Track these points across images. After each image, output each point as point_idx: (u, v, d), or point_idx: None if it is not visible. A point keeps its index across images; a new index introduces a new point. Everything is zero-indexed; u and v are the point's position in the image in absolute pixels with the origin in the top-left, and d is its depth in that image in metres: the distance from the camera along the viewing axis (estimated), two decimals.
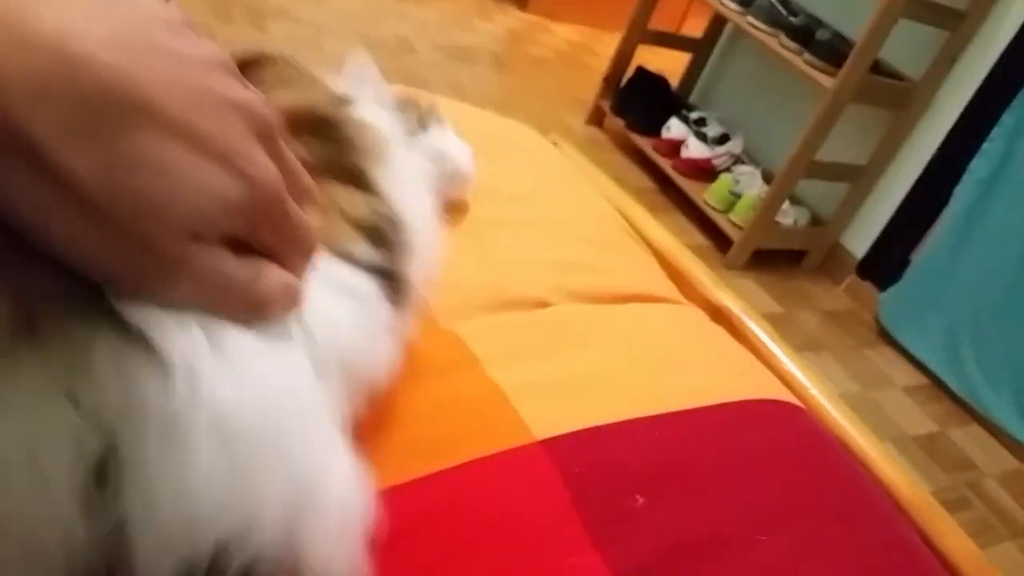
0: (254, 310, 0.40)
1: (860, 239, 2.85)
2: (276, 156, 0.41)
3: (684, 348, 0.79)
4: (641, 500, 0.58)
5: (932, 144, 2.61)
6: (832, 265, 2.91)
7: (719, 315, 0.94)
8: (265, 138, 0.40)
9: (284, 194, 0.40)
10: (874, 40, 2.37)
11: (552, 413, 0.63)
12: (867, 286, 2.81)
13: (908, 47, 2.56)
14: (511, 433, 0.61)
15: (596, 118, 3.29)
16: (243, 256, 0.39)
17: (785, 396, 0.77)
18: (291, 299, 0.42)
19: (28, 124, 0.31)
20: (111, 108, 0.33)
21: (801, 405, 0.77)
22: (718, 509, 0.60)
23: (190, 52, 0.37)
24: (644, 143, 3.04)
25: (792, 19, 2.60)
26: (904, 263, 2.71)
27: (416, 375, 0.65)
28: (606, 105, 3.23)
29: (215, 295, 0.38)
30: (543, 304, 0.77)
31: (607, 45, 4.08)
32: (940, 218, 2.60)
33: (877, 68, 2.51)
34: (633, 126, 3.09)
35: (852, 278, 2.86)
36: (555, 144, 1.15)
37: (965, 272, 2.49)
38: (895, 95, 2.59)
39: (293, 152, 0.44)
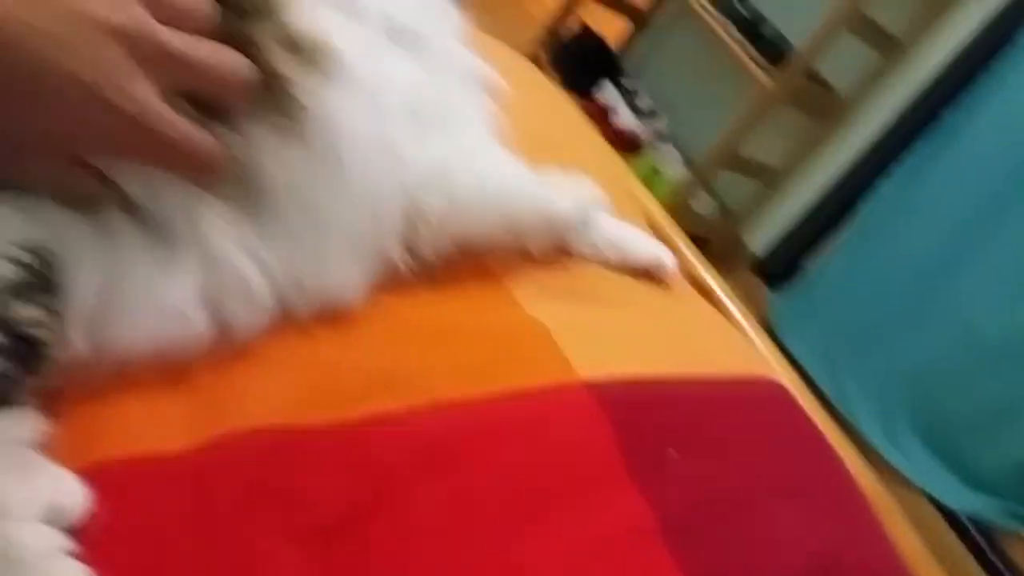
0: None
1: (760, 238, 2.97)
2: (171, 68, 0.43)
3: (691, 319, 0.82)
4: (675, 454, 0.61)
5: (846, 159, 2.74)
6: (729, 257, 3.02)
7: (707, 297, 0.97)
8: (148, 59, 0.42)
9: (163, 123, 0.43)
10: (816, 47, 2.47)
11: (594, 356, 0.65)
12: (758, 283, 2.94)
13: (842, 61, 2.67)
14: (555, 369, 0.62)
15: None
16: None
17: (773, 376, 0.82)
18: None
19: None
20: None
21: (786, 386, 0.81)
22: (738, 473, 0.64)
23: None
24: (575, 101, 3.06)
25: (743, 11, 2.66)
26: (798, 268, 2.84)
27: (454, 306, 0.66)
28: (544, 57, 3.23)
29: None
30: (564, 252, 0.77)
31: None
32: (840, 231, 2.75)
33: (810, 75, 2.61)
34: (567, 84, 3.10)
35: (745, 273, 2.99)
36: None
37: (855, 286, 2.64)
38: (822, 104, 2.71)
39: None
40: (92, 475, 0.44)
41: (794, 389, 0.83)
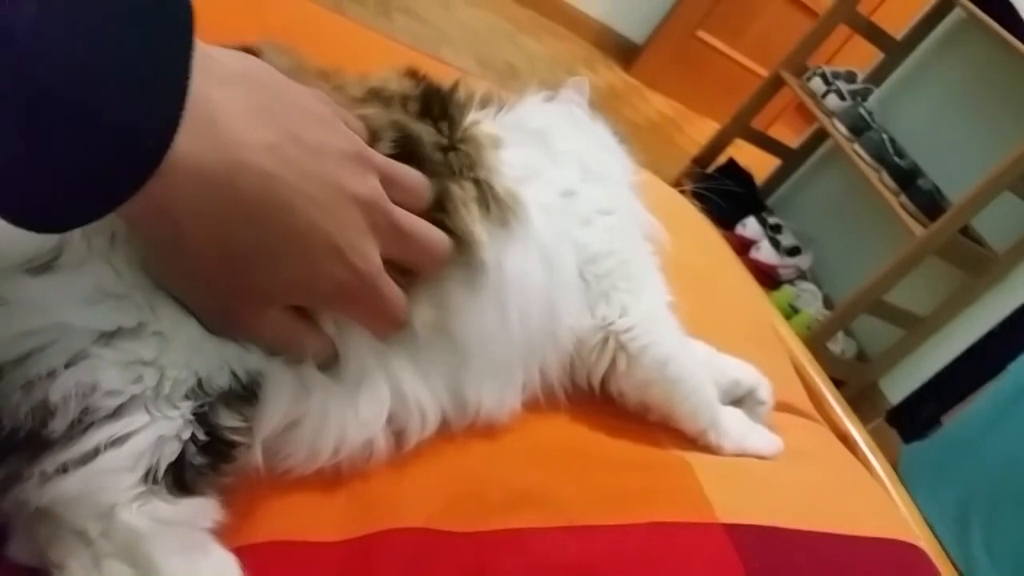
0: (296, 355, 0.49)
1: (898, 387, 2.86)
2: (392, 237, 0.49)
3: (835, 471, 0.81)
4: None
5: (996, 317, 2.63)
6: (863, 404, 2.92)
7: (845, 443, 0.95)
8: (377, 228, 0.48)
9: (380, 282, 0.49)
10: (974, 204, 2.41)
11: (735, 499, 0.65)
12: (892, 433, 2.82)
13: (998, 219, 2.60)
14: (696, 507, 0.63)
15: None
16: (300, 317, 0.49)
17: (912, 538, 0.79)
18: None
19: (180, 212, 0.39)
20: (254, 207, 0.41)
21: (926, 550, 0.78)
22: None
23: (333, 146, 0.45)
24: None
25: (898, 160, 2.64)
26: (934, 423, 2.72)
27: (599, 434, 0.67)
28: (687, 186, 3.26)
29: (267, 340, 0.47)
30: None
31: (696, 127, 4.16)
32: (983, 391, 2.62)
33: (965, 231, 2.55)
34: (709, 213, 3.12)
35: (880, 422, 2.87)
36: None
37: (994, 451, 2.49)
38: (976, 261, 2.63)
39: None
40: (254, 552, 0.47)
41: (932, 552, 0.80)
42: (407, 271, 0.52)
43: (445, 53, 3.05)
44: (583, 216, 0.65)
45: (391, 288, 0.50)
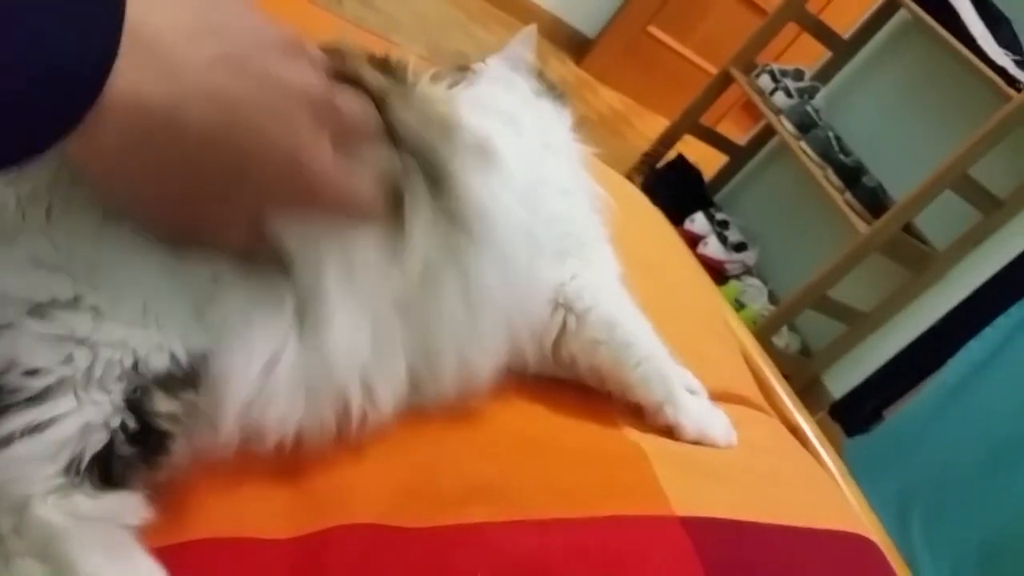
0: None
1: (841, 381, 2.91)
2: (336, 126, 0.46)
3: (788, 463, 0.81)
4: None
5: (936, 313, 2.68)
6: (807, 398, 2.95)
7: (795, 435, 0.96)
8: (324, 119, 0.44)
9: (338, 177, 0.46)
10: (916, 202, 2.45)
11: (691, 491, 0.64)
12: (836, 427, 2.86)
13: (940, 217, 2.64)
14: (653, 500, 0.62)
15: None
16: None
17: (864, 531, 0.79)
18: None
19: (124, 146, 0.36)
20: (208, 129, 0.38)
21: (877, 542, 0.78)
22: None
23: (266, 37, 0.42)
24: None
25: (843, 158, 2.67)
26: (876, 417, 2.77)
27: (554, 420, 0.66)
28: (637, 181, 3.28)
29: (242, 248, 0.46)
30: None
31: (646, 123, 4.17)
32: (924, 386, 2.67)
33: (907, 228, 2.59)
34: (658, 207, 3.14)
35: (823, 416, 2.91)
36: None
37: (934, 445, 2.54)
38: (917, 258, 2.67)
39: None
40: (189, 551, 0.45)
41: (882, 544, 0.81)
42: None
43: (396, 39, 3.02)
44: (543, 176, 0.65)
45: (350, 177, 0.47)
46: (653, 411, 0.70)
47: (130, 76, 0.34)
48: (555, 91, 0.76)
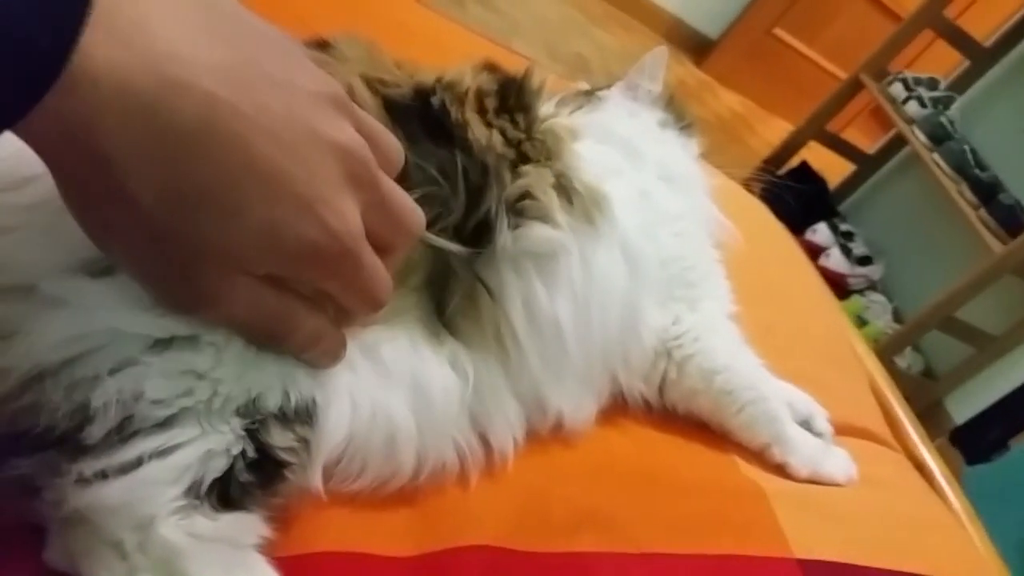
0: (279, 344, 0.42)
1: (964, 406, 2.77)
2: (371, 200, 0.40)
3: (913, 505, 0.78)
4: None
5: None
6: (927, 421, 2.83)
7: (920, 471, 0.92)
8: (358, 183, 0.39)
9: (360, 248, 0.40)
10: None
11: (810, 532, 0.62)
12: (955, 454, 2.74)
13: None
14: (770, 540, 0.60)
15: None
16: (283, 292, 0.40)
17: None
18: (319, 345, 0.43)
19: (106, 140, 0.32)
20: (197, 137, 0.33)
21: None
22: None
23: (302, 84, 0.37)
24: None
25: (979, 172, 2.55)
26: (1001, 446, 2.63)
27: (671, 453, 0.65)
28: (756, 188, 3.20)
29: (244, 323, 0.40)
30: None
31: (767, 126, 4.08)
32: None
33: None
34: (778, 217, 3.06)
35: (942, 441, 2.79)
36: None
37: None
38: None
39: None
40: (310, 563, 0.46)
41: None
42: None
43: (516, 43, 3.03)
44: (657, 218, 0.64)
45: (372, 258, 0.41)
46: (759, 451, 0.68)
47: (111, 52, 0.31)
48: (683, 120, 0.74)
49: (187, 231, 0.35)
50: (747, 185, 3.02)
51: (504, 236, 0.52)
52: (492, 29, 2.98)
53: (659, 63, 0.75)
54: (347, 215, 0.38)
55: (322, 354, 0.44)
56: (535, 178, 0.54)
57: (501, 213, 0.52)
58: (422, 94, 0.53)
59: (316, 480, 0.46)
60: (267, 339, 0.41)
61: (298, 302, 0.41)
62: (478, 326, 0.53)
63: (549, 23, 3.49)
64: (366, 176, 0.39)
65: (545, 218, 0.54)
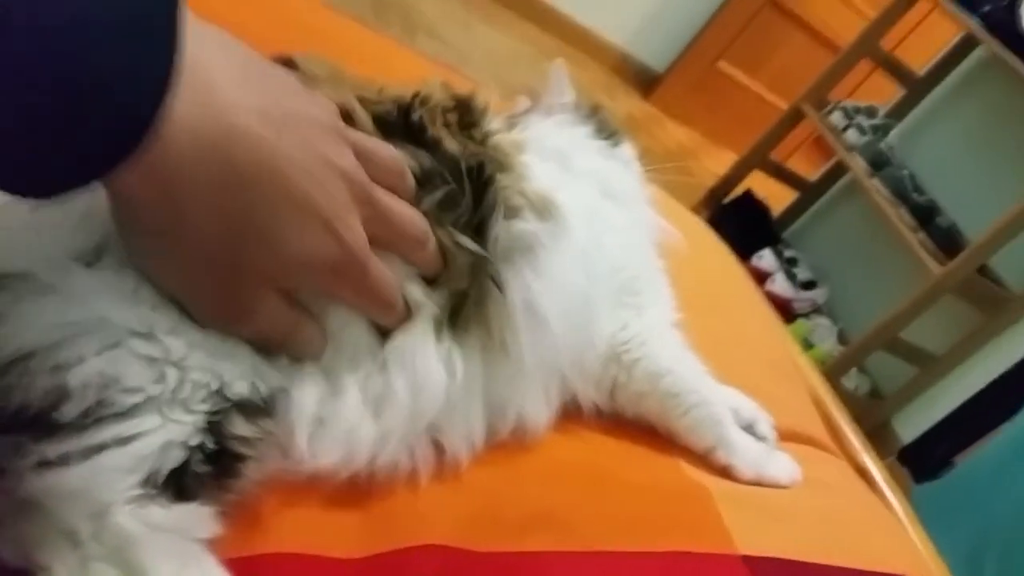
0: (284, 349, 0.47)
1: (911, 425, 2.83)
2: (370, 215, 0.46)
3: (855, 505, 0.80)
4: None
5: (1011, 358, 2.60)
6: (875, 441, 2.87)
7: (863, 477, 0.94)
8: (359, 201, 0.45)
9: (367, 256, 0.46)
10: (992, 243, 2.40)
11: (754, 529, 0.63)
12: (904, 473, 2.79)
13: (1016, 259, 2.58)
14: (716, 538, 0.61)
15: None
16: (292, 303, 0.46)
17: None
18: (311, 348, 0.48)
19: (179, 181, 0.38)
20: (250, 173, 0.39)
21: None
22: None
23: (315, 116, 0.44)
24: None
25: (917, 197, 2.63)
26: (947, 463, 2.68)
27: (618, 454, 0.66)
28: (703, 216, 3.26)
29: (264, 333, 0.45)
30: None
31: (713, 159, 4.15)
32: (997, 432, 2.59)
33: (982, 270, 2.53)
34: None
35: (891, 460, 2.84)
36: None
37: (1008, 494, 2.45)
38: (992, 300, 2.61)
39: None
40: (260, 564, 0.46)
41: None
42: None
43: (464, 73, 3.07)
44: (603, 229, 0.66)
45: (379, 267, 0.48)
46: (705, 454, 0.70)
47: (186, 108, 0.36)
48: (609, 128, 0.76)
49: (237, 254, 0.41)
50: (695, 213, 3.07)
51: (496, 232, 0.54)
52: (442, 60, 3.01)
53: (561, 76, 0.77)
54: (355, 229, 0.45)
55: (311, 354, 0.48)
56: (506, 183, 0.56)
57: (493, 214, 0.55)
58: (403, 110, 0.55)
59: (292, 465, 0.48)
60: (277, 346, 0.46)
61: (302, 311, 0.47)
62: (480, 324, 0.55)
63: (498, 56, 3.53)
64: (364, 194, 0.46)
65: (524, 217, 0.56)
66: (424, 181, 0.52)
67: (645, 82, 4.37)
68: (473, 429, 0.56)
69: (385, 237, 0.48)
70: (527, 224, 0.56)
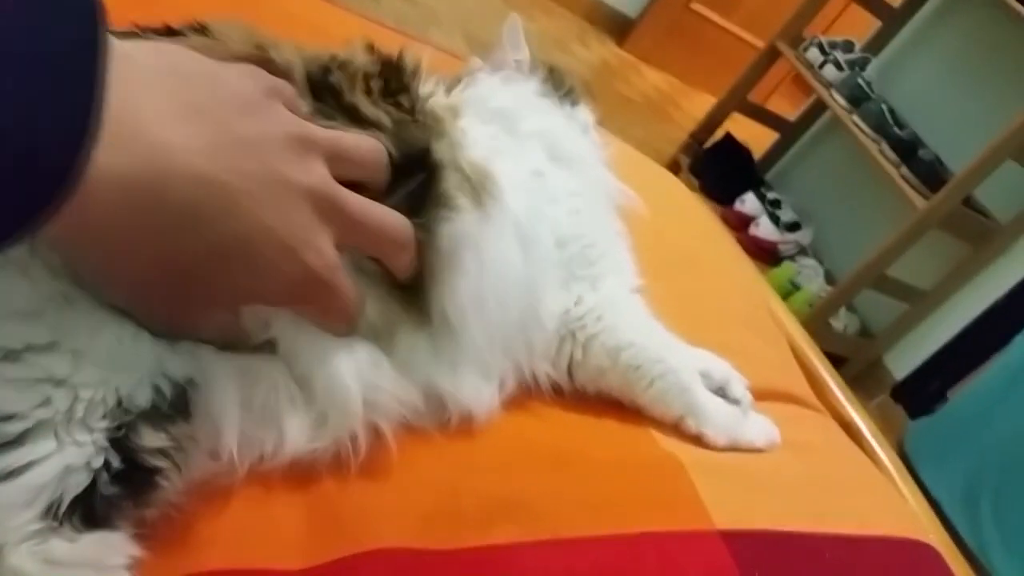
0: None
1: (903, 362, 2.82)
2: (343, 225, 0.45)
3: (840, 465, 0.77)
4: None
5: (1000, 288, 2.59)
6: (868, 380, 2.88)
7: (848, 430, 0.91)
8: (328, 217, 0.44)
9: (335, 278, 0.45)
10: (976, 174, 2.37)
11: (732, 502, 0.60)
12: (898, 410, 2.78)
13: (1002, 189, 2.55)
14: (691, 514, 0.58)
15: (671, 172, 3.27)
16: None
17: (922, 535, 0.75)
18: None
19: (110, 229, 0.36)
20: (188, 214, 0.38)
21: (939, 549, 0.74)
22: None
23: (271, 133, 0.42)
24: (714, 209, 3.03)
25: (898, 131, 2.59)
26: (940, 397, 2.68)
27: (585, 432, 0.63)
28: (684, 161, 3.22)
29: (209, 339, 0.44)
30: None
31: (692, 102, 4.10)
32: (989, 363, 2.58)
33: (967, 201, 2.50)
34: (707, 190, 3.08)
35: (884, 398, 2.83)
36: None
37: (1002, 424, 2.45)
38: (978, 232, 2.58)
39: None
40: None
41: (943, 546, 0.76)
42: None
43: (434, 33, 3.00)
44: (549, 198, 0.62)
45: (345, 283, 0.46)
46: (674, 425, 0.67)
47: (112, 157, 0.33)
48: (565, 87, 0.72)
49: (185, 288, 0.41)
50: (675, 160, 3.04)
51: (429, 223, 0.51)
52: (408, 20, 2.94)
53: (516, 31, 0.73)
54: (323, 250, 0.44)
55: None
56: (440, 153, 0.52)
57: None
58: (323, 71, 0.51)
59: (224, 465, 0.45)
60: (219, 344, 0.45)
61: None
62: (416, 308, 0.52)
63: (467, 10, 3.46)
64: (332, 210, 0.44)
65: (457, 205, 0.52)
66: None
67: (619, 28, 4.29)
68: (411, 413, 0.53)
69: (362, 246, 0.47)
70: (460, 224, 0.52)
